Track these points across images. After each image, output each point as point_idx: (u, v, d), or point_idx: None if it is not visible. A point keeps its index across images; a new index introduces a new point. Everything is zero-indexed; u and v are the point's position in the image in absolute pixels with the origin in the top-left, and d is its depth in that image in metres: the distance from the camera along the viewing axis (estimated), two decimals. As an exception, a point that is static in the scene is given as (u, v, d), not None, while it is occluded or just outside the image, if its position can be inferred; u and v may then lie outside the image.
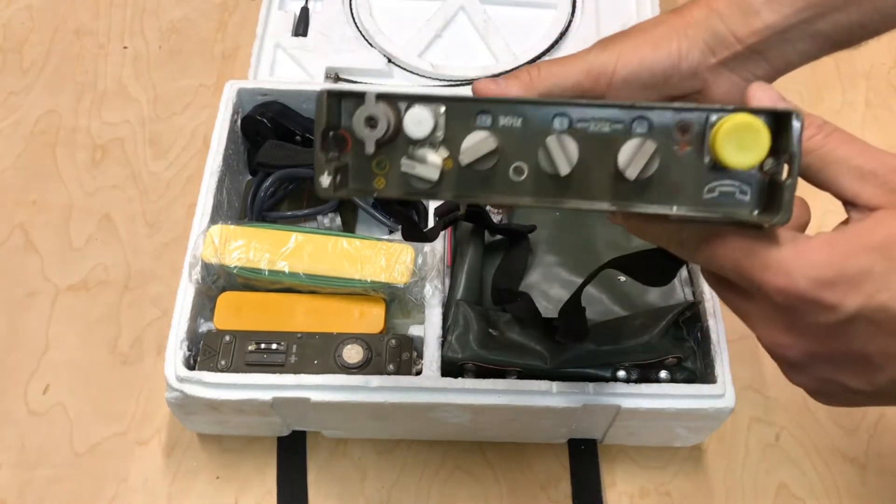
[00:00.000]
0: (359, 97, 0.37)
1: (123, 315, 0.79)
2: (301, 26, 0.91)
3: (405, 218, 0.56)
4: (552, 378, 0.64)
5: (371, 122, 0.36)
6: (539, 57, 0.90)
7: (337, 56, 0.89)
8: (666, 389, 0.64)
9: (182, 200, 0.86)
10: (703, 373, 0.66)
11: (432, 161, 0.37)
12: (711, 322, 0.66)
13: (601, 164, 0.36)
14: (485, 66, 0.90)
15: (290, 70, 0.88)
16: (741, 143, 0.33)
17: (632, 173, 0.35)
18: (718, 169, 0.35)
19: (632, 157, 0.35)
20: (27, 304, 0.79)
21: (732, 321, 0.67)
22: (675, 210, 0.36)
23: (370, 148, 0.37)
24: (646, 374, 0.65)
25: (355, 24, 0.92)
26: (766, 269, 0.35)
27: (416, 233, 0.60)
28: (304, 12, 0.92)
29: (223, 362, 0.66)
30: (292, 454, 0.71)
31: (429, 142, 0.37)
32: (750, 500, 0.71)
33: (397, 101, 0.37)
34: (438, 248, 0.72)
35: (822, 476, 0.72)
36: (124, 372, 0.76)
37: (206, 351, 0.66)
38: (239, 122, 0.80)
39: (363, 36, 0.91)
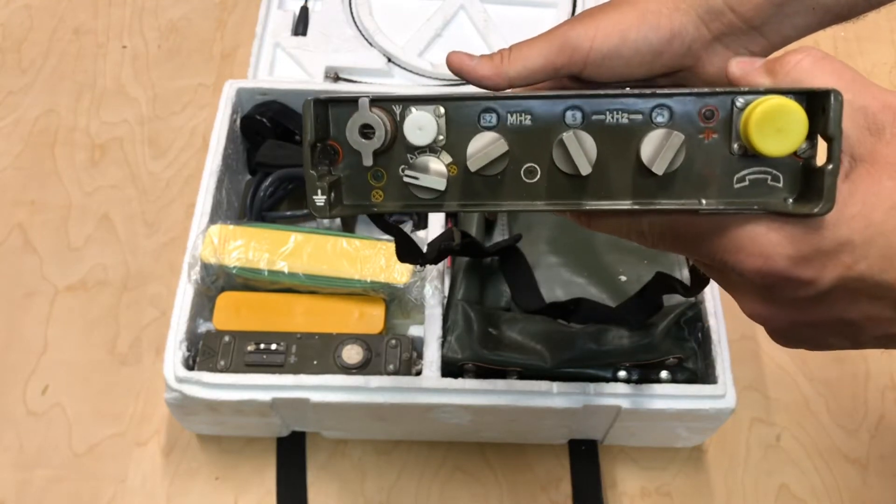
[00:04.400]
0: (350, 104, 0.33)
1: (122, 315, 0.79)
2: (301, 25, 0.91)
3: (398, 232, 0.51)
4: (553, 378, 0.64)
5: (367, 130, 0.33)
6: (539, 56, 0.89)
7: (336, 55, 0.88)
8: (667, 390, 0.64)
9: (181, 200, 0.86)
10: (703, 373, 0.66)
11: (436, 169, 0.34)
12: (712, 322, 0.66)
13: (621, 159, 0.33)
14: (485, 65, 0.89)
15: (290, 69, 0.88)
16: (777, 129, 0.31)
17: (659, 168, 0.32)
18: (748, 156, 0.33)
19: (657, 150, 0.32)
20: (26, 305, 0.79)
21: (733, 321, 0.67)
22: (703, 204, 0.33)
23: (368, 160, 0.33)
24: (647, 375, 0.65)
25: (355, 23, 0.92)
26: (740, 251, 0.33)
27: (410, 252, 0.54)
28: (304, 11, 0.92)
29: (222, 363, 0.65)
30: (292, 455, 0.71)
31: (429, 148, 0.34)
32: (751, 500, 0.71)
33: (392, 105, 0.33)
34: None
35: (823, 477, 0.72)
36: (123, 372, 0.76)
37: (205, 351, 0.66)
38: (238, 121, 0.80)
39: (363, 35, 0.91)
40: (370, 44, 0.90)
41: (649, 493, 0.71)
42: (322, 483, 0.71)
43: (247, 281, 0.70)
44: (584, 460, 0.71)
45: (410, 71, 0.88)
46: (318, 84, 0.85)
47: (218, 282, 0.70)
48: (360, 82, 0.87)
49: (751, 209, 0.33)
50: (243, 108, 0.80)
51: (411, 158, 0.34)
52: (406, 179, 0.34)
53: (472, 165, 0.33)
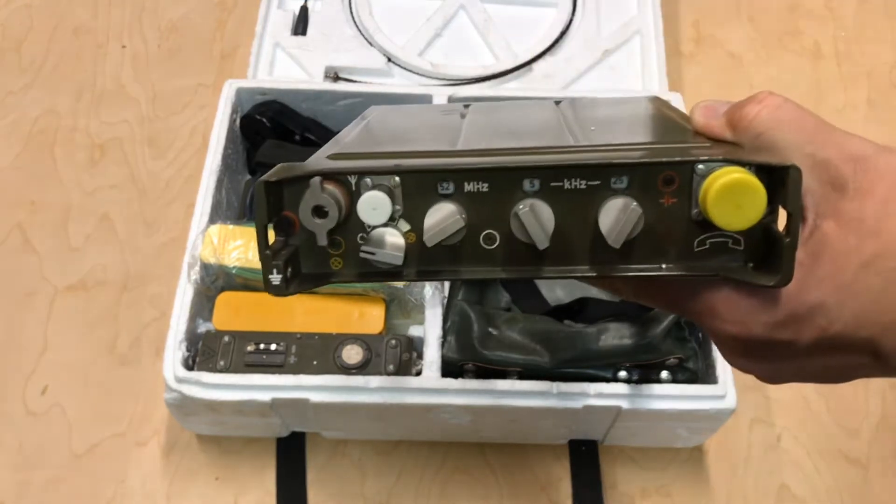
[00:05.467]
0: (302, 182, 0.32)
1: (122, 315, 0.79)
2: (300, 25, 0.91)
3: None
4: (553, 378, 0.64)
5: (320, 212, 0.32)
6: (540, 56, 0.89)
7: (336, 55, 0.88)
8: (667, 390, 0.64)
9: (181, 200, 0.86)
10: (704, 373, 0.66)
11: (393, 243, 0.32)
12: (713, 322, 0.66)
13: (579, 225, 0.32)
14: (485, 65, 0.89)
15: (290, 69, 0.87)
16: (736, 205, 0.30)
17: (617, 241, 0.31)
18: (708, 221, 0.31)
19: (615, 223, 0.31)
20: (25, 305, 0.79)
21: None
22: (664, 268, 0.33)
23: (322, 240, 0.32)
24: (647, 375, 0.65)
25: (355, 23, 0.92)
26: (714, 316, 0.33)
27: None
28: (304, 11, 0.92)
29: (222, 363, 0.65)
30: (292, 455, 0.71)
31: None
32: (751, 501, 0.71)
33: (347, 176, 0.32)
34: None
35: (824, 477, 0.72)
36: (123, 373, 0.75)
37: (204, 351, 0.66)
38: (238, 121, 0.80)
39: (363, 35, 0.91)
40: (370, 43, 0.90)
41: (649, 493, 0.71)
42: (322, 483, 0.70)
43: (246, 281, 0.70)
44: (585, 460, 0.71)
45: (410, 70, 0.88)
46: (318, 84, 0.84)
47: (217, 282, 0.70)
48: (359, 82, 0.87)
49: (712, 275, 0.32)
50: (243, 108, 0.80)
51: (368, 228, 0.33)
52: (363, 255, 0.33)
53: (429, 241, 0.32)
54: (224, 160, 0.75)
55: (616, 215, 0.31)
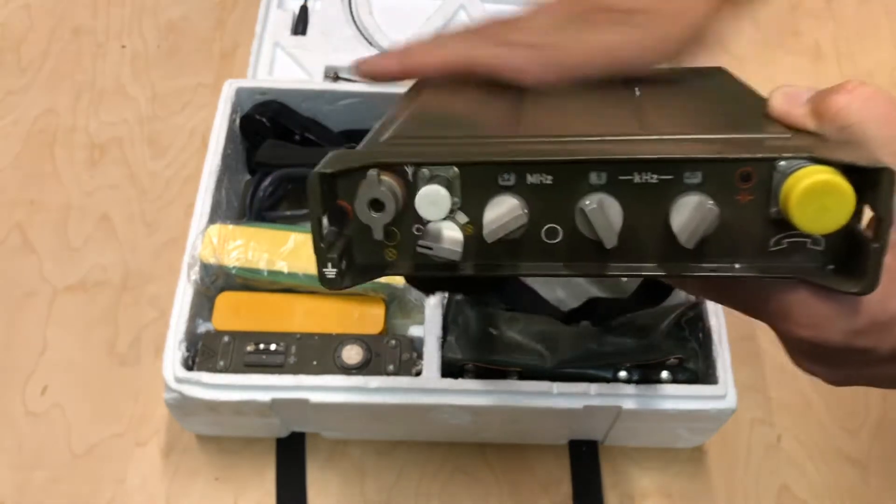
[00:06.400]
0: (358, 173, 0.30)
1: (121, 315, 0.79)
2: (300, 25, 0.91)
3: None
4: (553, 378, 0.64)
5: (377, 205, 0.30)
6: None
7: (336, 55, 0.88)
8: (667, 390, 0.64)
9: (180, 200, 0.86)
10: (704, 373, 0.66)
11: (451, 237, 0.31)
12: (714, 322, 0.66)
13: (649, 221, 0.30)
14: (485, 65, 0.89)
15: (290, 69, 0.87)
16: (821, 207, 0.28)
17: (690, 242, 0.29)
18: (786, 221, 0.29)
19: (689, 222, 0.29)
20: (25, 305, 0.79)
21: (734, 321, 0.66)
22: (737, 268, 0.31)
23: (378, 234, 0.31)
24: (647, 375, 0.65)
25: (355, 22, 0.92)
26: (788, 319, 0.31)
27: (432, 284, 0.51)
28: (304, 11, 0.92)
29: (222, 363, 0.65)
30: (291, 455, 0.71)
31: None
32: (752, 501, 0.71)
33: (403, 167, 0.31)
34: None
35: (825, 477, 0.72)
36: (122, 373, 0.75)
37: (204, 351, 0.66)
38: (238, 121, 0.79)
39: (363, 35, 0.90)
40: (370, 43, 0.90)
41: (650, 493, 0.71)
42: (322, 483, 0.70)
43: (246, 281, 0.70)
44: (585, 461, 0.71)
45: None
46: (318, 84, 0.84)
47: (217, 282, 0.70)
48: (360, 82, 0.87)
49: (788, 276, 0.31)
50: (243, 108, 0.80)
51: (425, 222, 0.31)
52: (420, 250, 0.31)
53: (489, 237, 0.30)
54: (224, 160, 0.75)
55: (690, 214, 0.29)
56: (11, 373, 0.75)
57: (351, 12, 0.92)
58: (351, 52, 0.89)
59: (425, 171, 0.31)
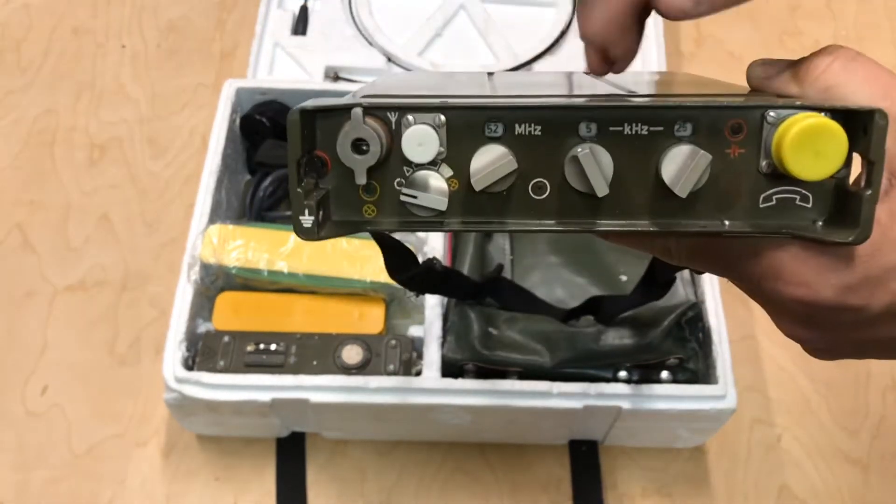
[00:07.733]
0: (341, 113, 0.30)
1: (121, 315, 0.79)
2: (300, 25, 0.91)
3: (390, 245, 0.46)
4: (553, 378, 0.64)
5: (360, 145, 0.30)
6: (540, 56, 0.89)
7: (336, 55, 0.88)
8: (667, 390, 0.64)
9: (180, 200, 0.86)
10: (704, 373, 0.66)
11: (437, 187, 0.30)
12: (713, 322, 0.66)
13: (639, 174, 0.30)
14: (485, 64, 0.89)
15: (290, 69, 0.87)
16: (815, 152, 0.28)
17: (683, 190, 0.29)
18: (777, 175, 0.30)
19: (681, 171, 0.29)
20: (25, 305, 0.79)
21: (734, 321, 0.67)
22: (727, 225, 0.31)
23: (361, 178, 0.30)
24: (647, 375, 0.65)
25: (355, 22, 0.92)
26: (778, 278, 0.31)
27: (401, 270, 0.50)
28: (304, 11, 0.92)
29: (222, 363, 0.65)
30: (291, 455, 0.71)
31: (429, 162, 0.30)
32: (752, 501, 0.71)
33: (388, 112, 0.30)
34: (438, 247, 0.72)
35: (825, 477, 0.72)
36: (122, 373, 0.75)
37: (204, 351, 0.66)
38: (238, 121, 0.79)
39: (363, 35, 0.90)
40: (370, 43, 0.90)
41: (650, 493, 0.71)
42: (322, 483, 0.70)
43: (246, 281, 0.70)
44: (585, 461, 0.71)
45: (410, 70, 0.88)
46: (318, 84, 0.84)
47: (217, 282, 0.70)
48: (359, 82, 0.87)
49: (778, 233, 0.30)
50: (243, 108, 0.80)
51: (408, 172, 0.30)
52: (403, 198, 0.30)
53: (477, 185, 0.30)
54: (224, 160, 0.75)
55: (683, 161, 0.29)
56: (11, 373, 0.75)
57: (351, 12, 0.92)
58: (351, 51, 0.89)
59: (410, 117, 0.30)
